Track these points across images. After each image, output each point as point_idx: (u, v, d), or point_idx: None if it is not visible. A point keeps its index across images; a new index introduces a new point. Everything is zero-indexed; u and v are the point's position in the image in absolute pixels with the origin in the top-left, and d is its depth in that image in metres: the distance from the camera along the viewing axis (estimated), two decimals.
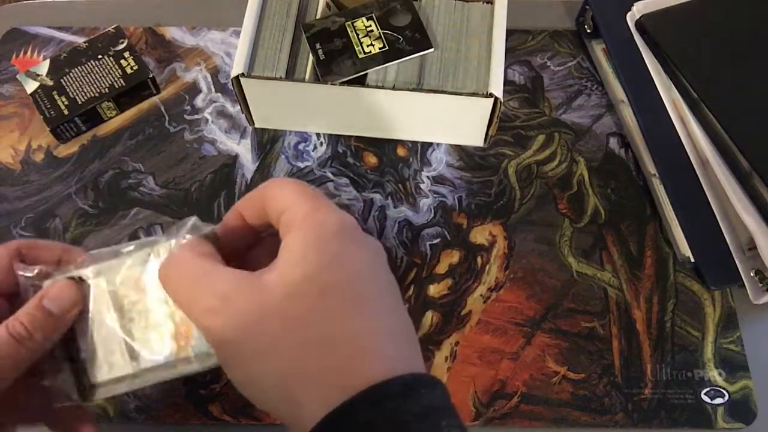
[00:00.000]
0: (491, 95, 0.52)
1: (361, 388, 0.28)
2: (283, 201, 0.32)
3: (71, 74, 0.60)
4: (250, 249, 0.37)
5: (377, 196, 0.57)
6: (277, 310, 0.29)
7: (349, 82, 0.53)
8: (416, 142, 0.60)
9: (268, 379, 0.30)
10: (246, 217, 0.35)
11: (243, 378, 0.31)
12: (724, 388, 0.50)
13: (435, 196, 0.57)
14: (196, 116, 0.61)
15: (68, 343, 0.36)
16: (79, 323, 0.35)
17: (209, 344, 0.32)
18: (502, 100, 0.52)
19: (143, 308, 0.35)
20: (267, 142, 0.60)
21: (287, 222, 0.32)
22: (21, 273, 0.36)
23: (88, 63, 0.60)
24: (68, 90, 0.59)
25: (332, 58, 0.53)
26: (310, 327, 0.29)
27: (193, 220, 0.34)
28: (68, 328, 0.35)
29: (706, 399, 0.50)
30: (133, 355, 0.35)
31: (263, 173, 0.58)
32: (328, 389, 0.29)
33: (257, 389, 0.31)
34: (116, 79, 0.60)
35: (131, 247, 0.36)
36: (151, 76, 0.60)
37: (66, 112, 0.58)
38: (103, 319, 0.35)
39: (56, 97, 0.59)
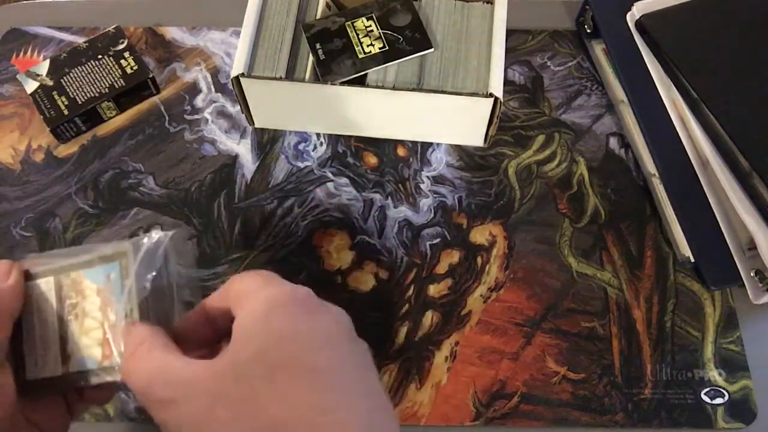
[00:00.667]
0: (491, 95, 0.52)
1: None
2: (239, 287, 0.31)
3: (71, 74, 0.60)
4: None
5: (377, 196, 0.57)
6: (226, 395, 0.27)
7: (349, 82, 0.53)
8: (416, 142, 0.60)
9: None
10: (208, 312, 0.33)
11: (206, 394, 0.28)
12: (724, 388, 0.50)
13: (435, 196, 0.57)
14: (196, 116, 0.61)
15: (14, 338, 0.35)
16: (24, 319, 0.35)
17: None
18: (502, 100, 0.52)
19: (81, 312, 0.34)
20: (267, 142, 0.60)
21: (237, 299, 0.30)
22: None
23: (88, 63, 0.60)
24: (68, 90, 0.59)
25: (332, 58, 0.53)
26: (261, 410, 0.27)
27: (129, 255, 0.33)
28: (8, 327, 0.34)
29: (706, 399, 0.50)
30: (65, 357, 0.34)
31: (263, 173, 0.58)
32: None
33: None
34: (116, 79, 0.60)
35: (84, 254, 0.35)
36: (151, 76, 0.60)
37: (66, 112, 0.58)
38: (45, 317, 0.35)
39: (56, 97, 0.59)
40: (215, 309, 0.33)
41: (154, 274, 0.33)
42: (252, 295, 0.30)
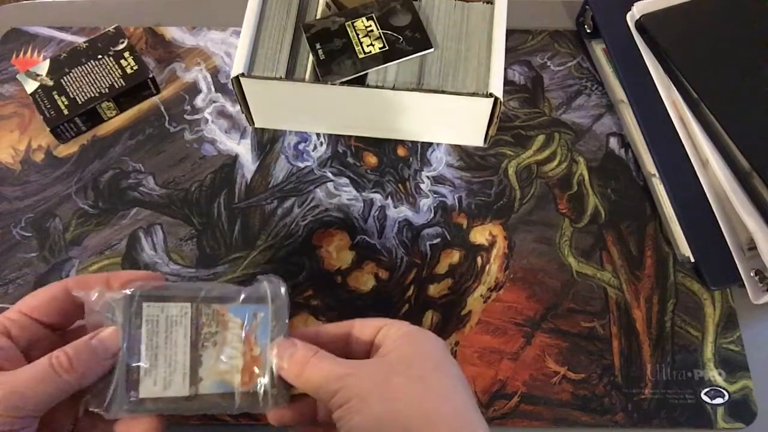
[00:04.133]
0: (491, 95, 0.52)
1: None
2: (376, 322, 0.38)
3: (71, 74, 0.60)
4: None
5: (377, 196, 0.57)
6: (399, 372, 0.35)
7: (349, 82, 0.53)
8: (416, 142, 0.60)
9: (393, 422, 0.33)
10: (322, 338, 0.39)
11: (368, 424, 0.33)
12: (724, 388, 0.50)
13: (435, 196, 0.57)
14: (196, 116, 0.61)
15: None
16: (149, 337, 0.36)
17: (274, 388, 0.37)
18: (502, 100, 0.52)
19: (220, 341, 0.37)
20: (267, 142, 0.60)
21: (383, 325, 0.38)
22: (82, 296, 0.36)
23: (88, 63, 0.60)
24: (68, 90, 0.59)
25: (332, 58, 0.53)
26: (430, 388, 0.34)
27: (278, 299, 0.38)
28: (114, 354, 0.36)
29: (706, 399, 0.50)
30: (195, 380, 0.36)
31: (263, 173, 0.58)
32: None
33: (388, 397, 0.34)
34: (116, 79, 0.60)
35: (221, 290, 0.38)
36: (151, 76, 0.60)
37: (66, 112, 0.58)
38: (175, 339, 0.36)
39: (56, 97, 0.59)
40: (330, 336, 0.39)
41: (287, 319, 0.38)
42: (391, 324, 0.38)
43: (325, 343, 0.38)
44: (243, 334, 0.37)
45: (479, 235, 0.56)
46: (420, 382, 0.34)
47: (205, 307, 0.37)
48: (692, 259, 0.53)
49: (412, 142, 0.60)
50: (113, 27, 0.62)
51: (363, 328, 0.38)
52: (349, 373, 0.35)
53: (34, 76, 0.60)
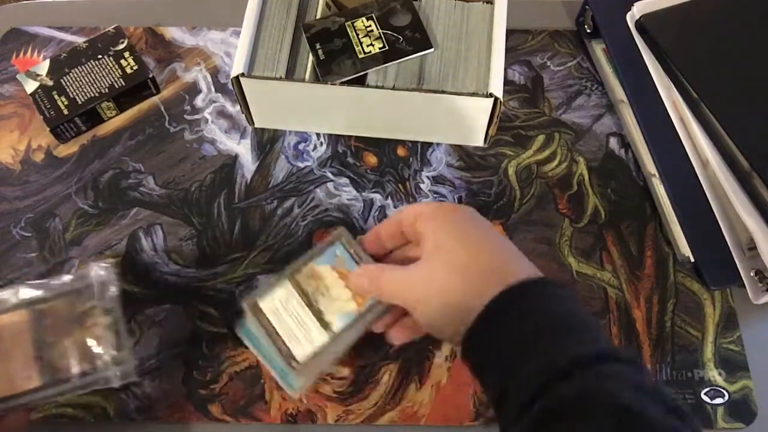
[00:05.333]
0: (491, 95, 0.52)
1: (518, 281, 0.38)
2: (411, 213, 0.43)
3: (71, 74, 0.60)
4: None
5: (377, 196, 0.57)
6: (438, 268, 0.40)
7: (349, 82, 0.53)
8: (416, 142, 0.60)
9: (449, 309, 0.39)
10: (382, 237, 0.46)
11: (430, 319, 0.40)
12: (724, 388, 0.50)
13: (435, 196, 0.57)
14: (196, 116, 0.61)
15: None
16: (278, 322, 0.44)
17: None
18: (502, 100, 0.52)
19: (324, 289, 0.45)
20: (267, 142, 0.60)
21: (422, 219, 0.42)
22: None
23: (88, 63, 0.60)
24: (68, 90, 0.59)
25: (332, 58, 0.53)
26: (481, 246, 0.40)
27: (344, 235, 0.46)
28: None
29: (706, 399, 0.50)
30: (326, 326, 0.44)
31: (263, 173, 0.58)
32: (498, 280, 0.38)
33: (444, 310, 0.39)
34: (116, 79, 0.60)
35: (301, 257, 0.46)
36: (151, 76, 0.60)
37: (66, 112, 0.58)
38: (294, 310, 0.44)
39: (56, 97, 0.59)
40: (387, 233, 0.45)
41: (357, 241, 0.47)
42: (431, 211, 0.43)
43: (386, 240, 0.45)
44: (336, 273, 0.45)
45: None
46: (455, 269, 0.40)
47: (298, 274, 0.45)
48: (692, 259, 0.53)
49: (412, 142, 0.60)
50: (113, 27, 0.62)
51: (406, 220, 0.44)
52: (405, 284, 0.41)
53: (34, 76, 0.60)
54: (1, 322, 0.43)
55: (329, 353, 0.43)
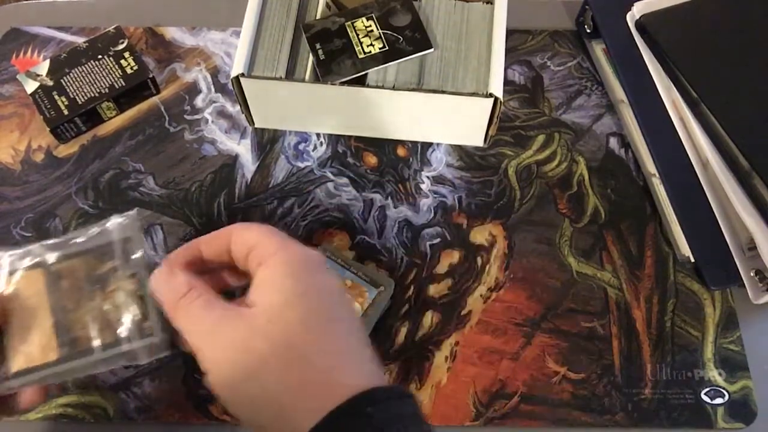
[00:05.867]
0: (491, 95, 0.52)
1: (343, 398, 0.31)
2: (250, 240, 0.36)
3: (71, 74, 0.60)
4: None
5: (377, 196, 0.57)
6: (262, 333, 0.32)
7: (349, 82, 0.53)
8: (416, 142, 0.60)
9: (260, 394, 0.32)
10: (203, 252, 0.37)
11: (235, 397, 0.33)
12: (724, 388, 0.50)
13: (435, 196, 0.57)
14: (196, 116, 0.61)
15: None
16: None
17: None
18: (502, 100, 0.52)
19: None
20: (267, 142, 0.60)
21: (258, 257, 0.35)
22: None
23: (88, 63, 0.60)
24: (68, 90, 0.59)
25: (332, 58, 0.53)
26: (293, 347, 0.32)
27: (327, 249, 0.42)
28: None
29: (706, 399, 0.50)
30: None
31: (263, 173, 0.58)
32: (312, 400, 0.31)
33: (249, 408, 0.33)
34: (116, 79, 0.60)
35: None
36: (151, 76, 0.60)
37: (66, 112, 0.58)
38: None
39: (56, 97, 0.59)
40: (212, 251, 0.37)
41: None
42: (274, 257, 0.35)
43: (211, 257, 0.37)
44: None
45: (479, 235, 0.56)
46: (284, 349, 0.32)
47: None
48: (692, 259, 0.53)
49: (412, 142, 0.60)
50: (113, 27, 0.62)
51: (238, 247, 0.36)
52: (206, 337, 0.33)
53: (34, 76, 0.60)
54: (17, 283, 0.37)
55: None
